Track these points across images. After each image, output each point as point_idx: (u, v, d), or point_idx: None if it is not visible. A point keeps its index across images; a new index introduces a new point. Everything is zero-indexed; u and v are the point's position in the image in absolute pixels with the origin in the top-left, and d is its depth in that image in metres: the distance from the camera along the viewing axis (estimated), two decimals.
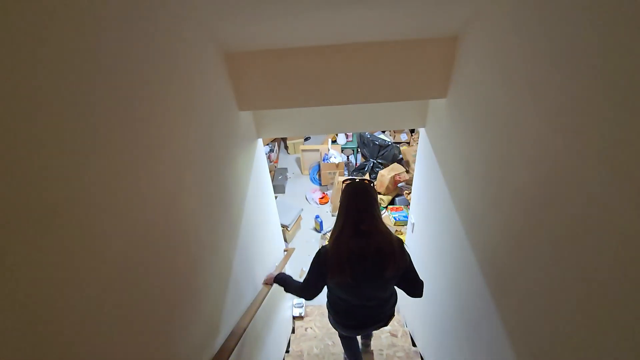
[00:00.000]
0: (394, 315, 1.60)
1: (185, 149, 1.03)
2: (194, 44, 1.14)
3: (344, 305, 1.49)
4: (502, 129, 1.07)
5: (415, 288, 1.42)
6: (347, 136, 5.23)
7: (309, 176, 5.35)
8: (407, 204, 4.28)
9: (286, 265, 3.07)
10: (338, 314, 1.56)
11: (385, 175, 4.19)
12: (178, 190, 0.96)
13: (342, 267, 1.27)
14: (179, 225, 0.96)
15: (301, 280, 1.48)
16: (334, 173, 4.80)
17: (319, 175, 5.04)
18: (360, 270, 1.29)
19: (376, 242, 1.27)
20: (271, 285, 1.84)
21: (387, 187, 4.23)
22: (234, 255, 1.50)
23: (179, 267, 0.95)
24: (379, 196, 4.29)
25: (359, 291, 1.39)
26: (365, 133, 4.71)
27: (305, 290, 1.43)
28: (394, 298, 1.56)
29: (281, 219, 4.11)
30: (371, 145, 4.63)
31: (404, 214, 4.04)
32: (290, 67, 1.53)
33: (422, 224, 2.29)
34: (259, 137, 2.12)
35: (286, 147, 5.92)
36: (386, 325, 1.61)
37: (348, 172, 4.94)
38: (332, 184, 4.88)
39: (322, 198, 4.88)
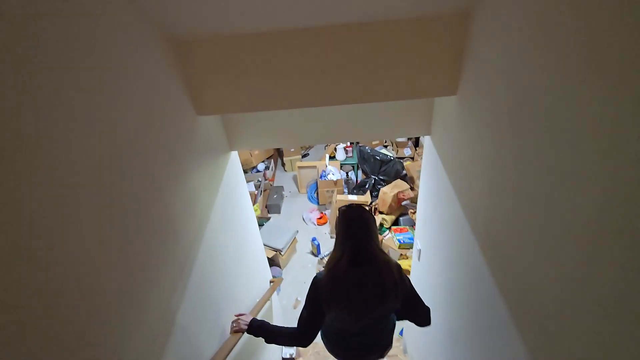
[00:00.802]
0: (391, 346, 1.50)
1: (85, 160, 0.69)
2: (117, 22, 0.82)
3: (338, 334, 1.40)
4: (544, 125, 0.72)
5: (421, 316, 1.34)
6: (346, 151, 4.91)
7: (306, 195, 5.00)
8: (413, 224, 3.89)
9: (276, 297, 2.68)
10: (330, 343, 1.46)
11: (388, 193, 3.83)
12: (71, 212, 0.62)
13: (339, 297, 1.20)
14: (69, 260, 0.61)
15: (287, 323, 1.33)
16: (332, 191, 4.45)
17: (317, 194, 4.69)
18: (359, 301, 1.22)
19: (375, 271, 1.20)
20: (242, 333, 1.45)
21: (390, 206, 3.86)
22: (182, 300, 1.14)
23: (65, 327, 0.59)
24: (382, 216, 3.91)
25: (357, 322, 1.31)
26: (365, 147, 4.38)
27: (302, 331, 1.27)
28: (393, 327, 1.48)
29: (274, 243, 3.73)
30: (372, 160, 4.29)
31: (409, 236, 3.64)
32: (261, 58, 1.22)
33: (430, 250, 1.91)
34: (232, 150, 1.80)
35: (283, 164, 5.62)
36: (382, 357, 1.51)
37: (347, 190, 4.59)
38: (330, 202, 4.52)
39: (320, 218, 4.51)
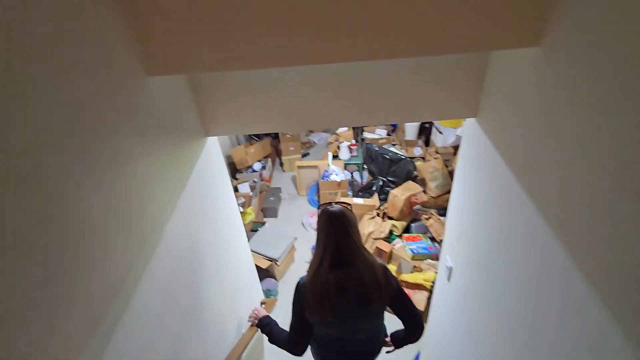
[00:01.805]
0: (380, 350, 1.45)
1: None
2: None
3: (327, 339, 1.34)
4: None
5: (414, 324, 1.28)
6: (350, 150, 4.47)
7: (306, 197, 4.56)
8: (425, 232, 3.44)
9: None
10: (321, 348, 1.39)
11: (399, 196, 3.38)
12: None
13: (321, 303, 1.17)
14: None
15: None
16: (335, 193, 4.00)
17: (318, 196, 4.24)
18: (342, 306, 1.20)
19: (358, 272, 1.18)
20: (257, 328, 1.45)
21: (402, 211, 3.41)
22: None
23: None
24: (392, 222, 3.46)
25: (343, 326, 1.27)
26: (373, 145, 3.93)
27: (293, 340, 1.28)
28: (383, 331, 1.43)
29: (269, 251, 3.28)
30: (380, 159, 3.84)
31: (423, 245, 3.19)
32: None
33: (469, 272, 1.46)
34: (209, 136, 1.35)
35: (281, 164, 5.18)
36: None
37: (352, 193, 4.14)
38: None
39: None
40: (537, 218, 0.87)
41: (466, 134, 1.44)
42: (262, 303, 1.95)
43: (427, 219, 3.41)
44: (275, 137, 5.28)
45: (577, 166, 0.72)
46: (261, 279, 3.28)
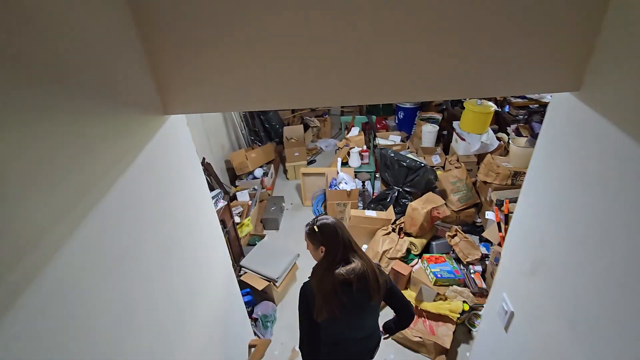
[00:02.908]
0: (378, 346, 1.55)
1: None
2: None
3: (331, 342, 1.40)
4: None
5: (406, 312, 1.46)
6: (361, 157, 4.03)
7: (311, 208, 4.11)
8: (449, 251, 2.97)
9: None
10: (325, 354, 1.40)
11: (419, 209, 2.92)
12: None
13: (329, 299, 1.26)
14: None
15: None
16: (344, 204, 3.55)
17: (325, 208, 3.79)
18: (347, 300, 1.28)
19: (358, 268, 1.28)
20: None
21: (422, 227, 2.94)
22: None
23: None
24: (410, 240, 3.00)
25: (348, 322, 1.36)
26: (387, 151, 3.48)
27: (309, 342, 1.35)
28: (378, 329, 1.54)
29: (267, 270, 2.82)
30: (396, 167, 3.39)
31: (447, 268, 2.71)
32: None
33: (555, 325, 0.99)
34: (169, 113, 0.93)
35: (285, 171, 4.76)
36: (372, 358, 1.56)
37: (363, 204, 3.69)
38: (341, 219, 3.62)
39: None
40: None
41: (553, 120, 1.00)
42: (250, 346, 1.49)
43: (452, 236, 2.94)
44: (280, 142, 4.89)
45: None
46: (257, 302, 2.81)
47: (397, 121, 5.37)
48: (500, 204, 3.11)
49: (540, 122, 4.34)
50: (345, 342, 1.41)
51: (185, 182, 1.14)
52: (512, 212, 2.68)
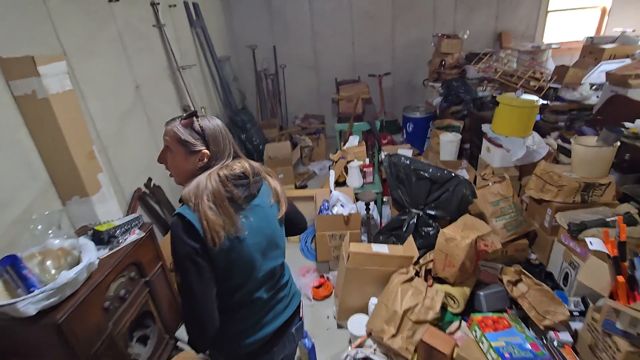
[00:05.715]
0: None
1: None
2: None
3: (244, 293, 1.01)
4: None
5: (300, 216, 1.26)
6: (363, 174, 3.01)
7: (298, 246, 3.03)
8: (506, 307, 1.84)
9: None
10: (242, 322, 1.04)
11: (458, 239, 1.85)
12: None
13: (226, 211, 0.91)
14: None
15: None
16: (340, 236, 2.47)
17: (315, 244, 2.71)
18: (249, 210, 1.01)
19: (248, 164, 1.02)
20: None
21: (463, 267, 1.85)
22: None
23: None
24: (445, 288, 1.90)
25: (257, 256, 1.00)
26: (401, 159, 2.45)
27: (204, 311, 0.92)
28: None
29: None
30: (414, 180, 2.36)
31: (517, 340, 1.57)
32: None
33: None
34: None
35: None
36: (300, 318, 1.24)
37: (368, 236, 2.62)
38: (336, 257, 2.53)
39: (318, 287, 2.49)
40: None
41: None
42: None
43: (514, 282, 1.84)
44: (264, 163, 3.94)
45: None
46: None
47: (404, 136, 4.44)
48: (577, 230, 2.04)
49: (589, 126, 3.36)
50: (259, 300, 1.04)
51: None
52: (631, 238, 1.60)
